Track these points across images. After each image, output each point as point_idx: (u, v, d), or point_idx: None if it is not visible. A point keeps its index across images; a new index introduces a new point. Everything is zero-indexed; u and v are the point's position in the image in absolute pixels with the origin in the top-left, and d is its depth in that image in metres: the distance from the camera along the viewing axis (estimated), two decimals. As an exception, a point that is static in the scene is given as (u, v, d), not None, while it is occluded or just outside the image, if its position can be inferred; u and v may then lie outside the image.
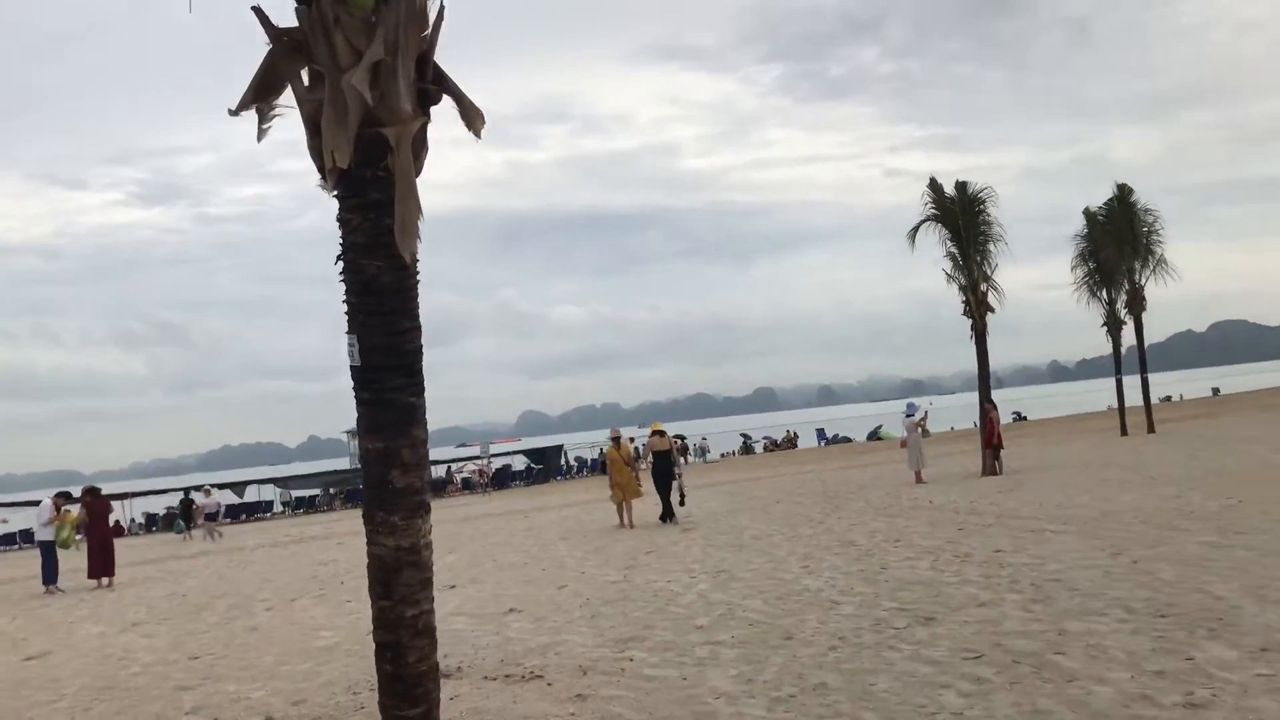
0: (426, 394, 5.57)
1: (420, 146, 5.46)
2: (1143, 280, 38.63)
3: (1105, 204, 39.34)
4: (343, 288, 5.47)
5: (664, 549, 15.77)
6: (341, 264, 5.47)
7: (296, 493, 53.42)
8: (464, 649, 9.38)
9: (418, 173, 5.43)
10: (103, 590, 19.15)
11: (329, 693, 8.27)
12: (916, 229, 27.95)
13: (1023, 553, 11.85)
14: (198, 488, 41.02)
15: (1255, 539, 11.05)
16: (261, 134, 5.47)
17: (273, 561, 22.41)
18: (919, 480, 24.38)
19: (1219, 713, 5.62)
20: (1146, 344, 39.55)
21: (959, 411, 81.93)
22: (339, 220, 5.44)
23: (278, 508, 52.49)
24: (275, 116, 5.51)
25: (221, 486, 54.67)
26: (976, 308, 26.80)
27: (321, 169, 5.33)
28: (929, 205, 27.83)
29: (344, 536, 27.01)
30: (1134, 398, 39.78)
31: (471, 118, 5.65)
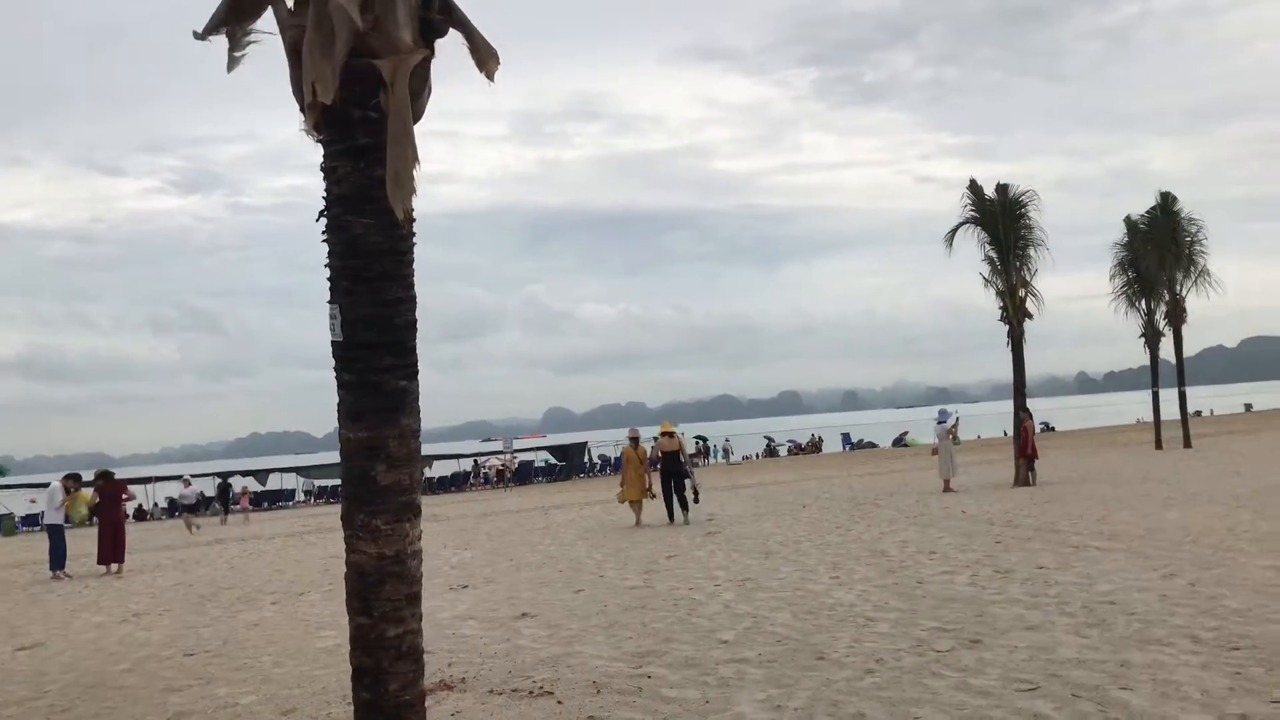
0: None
1: (421, 86, 4.64)
2: (1184, 291, 37.66)
3: (1147, 212, 38.36)
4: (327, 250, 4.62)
5: (686, 553, 15.13)
6: (324, 222, 4.64)
7: (319, 482, 53.22)
8: (471, 657, 8.77)
9: (417, 117, 4.64)
10: (110, 577, 18.74)
11: (321, 702, 7.67)
12: (955, 231, 27.14)
13: (1068, 570, 11.13)
14: (224, 476, 41.27)
15: (1322, 564, 10.30)
16: (233, 63, 4.73)
17: (287, 552, 21.93)
18: (947, 489, 23.63)
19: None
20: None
21: (984, 421, 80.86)
22: (322, 170, 4.62)
23: (300, 496, 52.35)
24: (251, 44, 4.74)
25: (245, 474, 54.72)
26: (1014, 313, 25.97)
27: (303, 106, 4.55)
28: (968, 207, 26.99)
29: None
30: (1165, 411, 38.82)
31: (484, 57, 4.80)
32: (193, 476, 40.92)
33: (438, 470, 55.45)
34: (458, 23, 4.85)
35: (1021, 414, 25.49)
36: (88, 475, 24.00)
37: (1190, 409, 39.99)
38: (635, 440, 21.39)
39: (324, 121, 4.56)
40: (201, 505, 39.95)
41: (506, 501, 36.19)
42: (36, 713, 8.15)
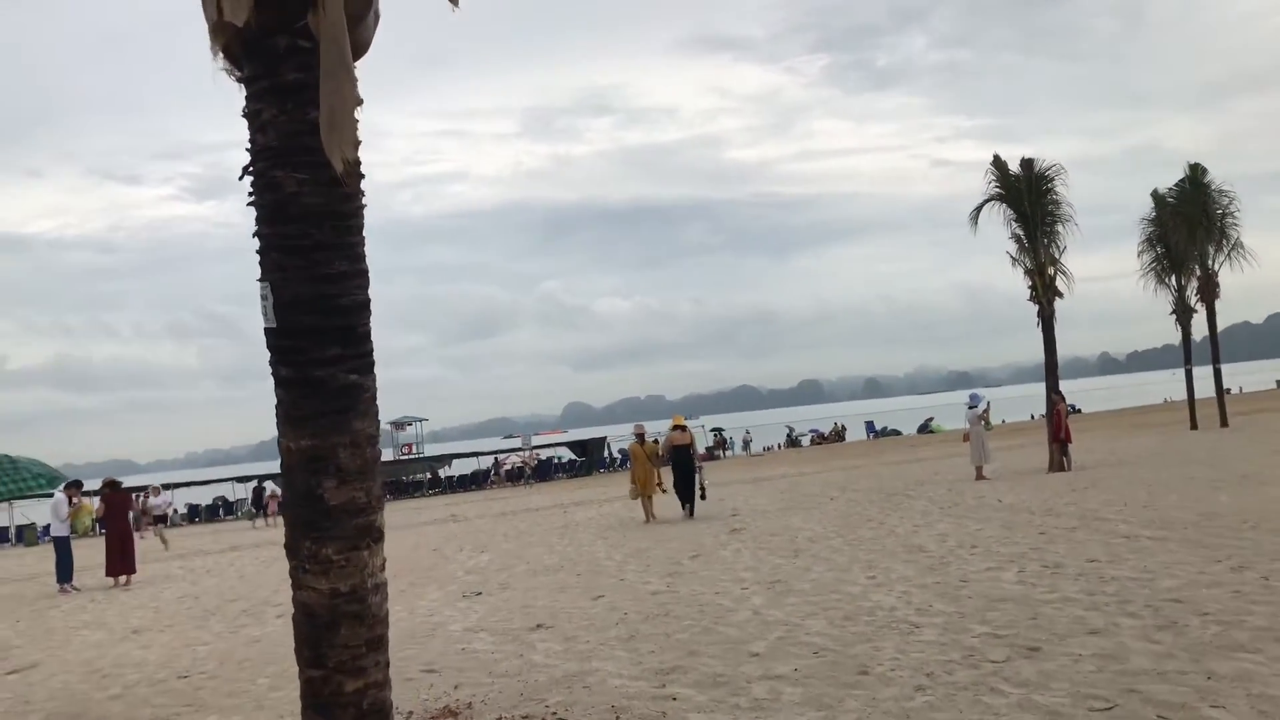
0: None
1: (364, 7, 3.56)
2: (1216, 266, 36.57)
3: (1175, 185, 37.25)
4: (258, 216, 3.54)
5: (711, 553, 14.39)
6: (249, 179, 3.65)
7: None
8: (480, 677, 8.06)
9: (361, 49, 3.53)
10: (118, 589, 18.17)
11: (316, 733, 6.99)
12: (979, 209, 26.27)
13: (1122, 564, 10.33)
14: (259, 479, 41.31)
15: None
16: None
17: (298, 559, 21.34)
18: (980, 476, 22.79)
19: None
20: (1205, 335, 37.53)
21: (1010, 404, 79.73)
22: (244, 115, 3.66)
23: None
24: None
25: (265, 478, 54.32)
26: (1044, 292, 25.09)
27: (211, 29, 3.49)
28: (993, 184, 26.12)
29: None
30: (1197, 389, 37.83)
31: None
32: (206, 482, 40.82)
33: (458, 469, 54.99)
34: None
35: (1054, 395, 24.61)
36: (92, 484, 23.48)
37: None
38: (641, 436, 21.15)
39: (245, 54, 3.51)
40: (174, 515, 39.84)
41: (527, 499, 35.53)
42: (9, 749, 7.52)
